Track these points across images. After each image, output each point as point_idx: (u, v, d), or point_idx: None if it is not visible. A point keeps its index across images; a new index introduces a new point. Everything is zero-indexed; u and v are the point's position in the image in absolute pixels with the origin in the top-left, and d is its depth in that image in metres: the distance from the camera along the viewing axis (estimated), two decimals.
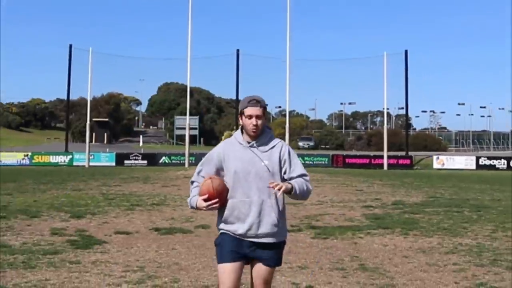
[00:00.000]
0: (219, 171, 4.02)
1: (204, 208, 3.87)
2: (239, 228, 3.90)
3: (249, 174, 3.90)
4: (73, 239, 9.34)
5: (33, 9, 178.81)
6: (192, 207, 3.99)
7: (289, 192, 3.86)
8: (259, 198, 3.88)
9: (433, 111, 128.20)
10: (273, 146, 4.00)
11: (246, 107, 3.94)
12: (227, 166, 3.98)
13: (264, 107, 3.97)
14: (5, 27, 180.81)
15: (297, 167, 4.03)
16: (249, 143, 3.98)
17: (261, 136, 3.99)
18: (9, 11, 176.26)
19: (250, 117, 3.92)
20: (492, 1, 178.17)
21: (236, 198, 3.91)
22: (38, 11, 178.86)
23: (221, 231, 4.02)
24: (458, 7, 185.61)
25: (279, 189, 3.74)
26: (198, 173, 4.07)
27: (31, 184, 21.49)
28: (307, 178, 4.04)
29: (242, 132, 4.04)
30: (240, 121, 4.01)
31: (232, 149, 4.00)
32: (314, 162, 44.77)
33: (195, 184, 4.05)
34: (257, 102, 3.95)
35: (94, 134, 71.99)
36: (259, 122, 3.92)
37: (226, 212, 3.93)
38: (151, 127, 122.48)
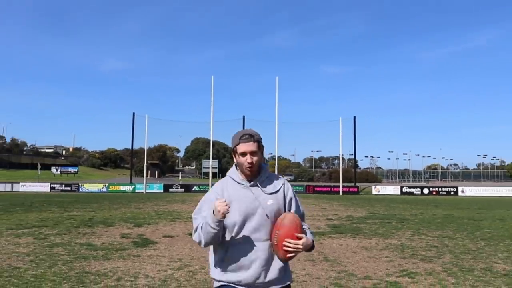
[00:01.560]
0: None
1: (225, 209, 2.07)
2: (244, 278, 2.17)
3: (254, 215, 2.20)
4: (135, 240, 9.31)
5: (109, 89, 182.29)
6: (209, 225, 2.11)
7: (309, 250, 2.22)
8: (265, 242, 2.19)
9: (372, 156, 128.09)
10: (277, 183, 2.34)
11: (238, 144, 2.24)
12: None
13: (258, 141, 2.26)
14: (93, 103, 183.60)
15: (299, 206, 2.41)
16: (250, 181, 2.27)
17: (260, 173, 2.31)
18: (94, 92, 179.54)
19: (243, 154, 2.22)
20: (411, 83, 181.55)
21: (239, 242, 2.18)
22: (113, 92, 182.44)
23: (221, 283, 2.21)
24: (389, 86, 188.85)
25: (296, 249, 2.15)
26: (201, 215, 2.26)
27: (108, 204, 21.38)
28: (304, 216, 2.44)
29: (237, 170, 2.33)
30: (234, 159, 2.29)
31: (232, 190, 2.26)
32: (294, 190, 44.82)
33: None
34: (250, 136, 2.24)
35: (149, 172, 71.75)
36: (255, 158, 2.23)
37: (226, 259, 2.19)
38: (187, 167, 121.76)
